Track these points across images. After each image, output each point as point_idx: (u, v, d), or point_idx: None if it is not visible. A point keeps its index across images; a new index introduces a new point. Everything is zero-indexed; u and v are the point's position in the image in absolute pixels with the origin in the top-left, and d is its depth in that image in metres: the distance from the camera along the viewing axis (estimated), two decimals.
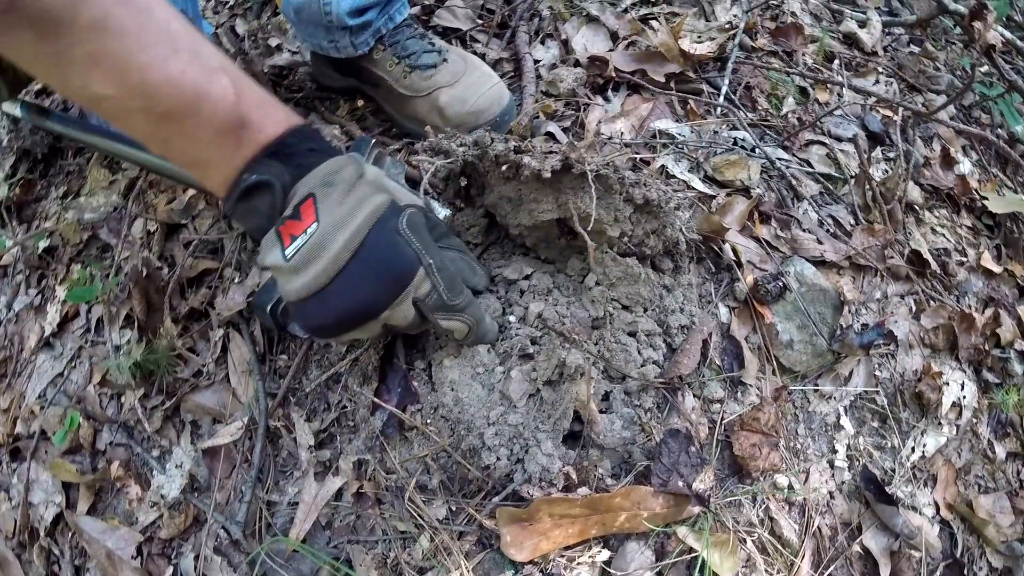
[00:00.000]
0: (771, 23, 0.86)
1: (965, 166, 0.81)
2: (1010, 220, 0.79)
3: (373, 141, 0.49)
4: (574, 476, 0.41)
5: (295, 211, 0.38)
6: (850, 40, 0.90)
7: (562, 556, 0.41)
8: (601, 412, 0.42)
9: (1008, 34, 0.93)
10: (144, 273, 0.57)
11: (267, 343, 0.54)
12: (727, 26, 0.77)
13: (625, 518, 0.42)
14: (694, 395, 0.46)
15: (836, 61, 0.82)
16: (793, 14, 0.88)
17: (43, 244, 0.83)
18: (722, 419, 0.46)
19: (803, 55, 0.80)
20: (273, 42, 0.79)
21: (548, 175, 0.38)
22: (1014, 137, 0.91)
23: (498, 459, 0.42)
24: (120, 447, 0.60)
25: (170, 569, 0.54)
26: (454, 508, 0.43)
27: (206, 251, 0.62)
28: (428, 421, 0.43)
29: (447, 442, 0.42)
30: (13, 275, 0.88)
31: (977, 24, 0.86)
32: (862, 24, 0.92)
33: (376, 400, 0.45)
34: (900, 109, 0.79)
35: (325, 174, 0.38)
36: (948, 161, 0.77)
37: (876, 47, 0.90)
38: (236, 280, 0.58)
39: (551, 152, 0.39)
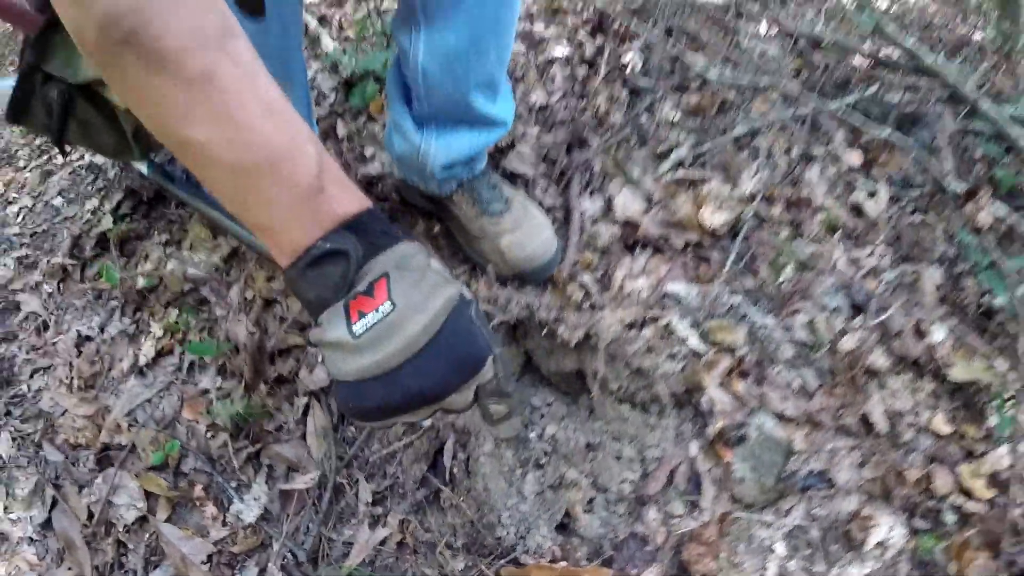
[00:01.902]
0: (791, 189, 1.10)
1: (939, 334, 1.03)
2: (973, 386, 1.00)
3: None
4: (559, 553, 0.63)
5: (368, 287, 0.41)
6: (857, 210, 1.14)
7: None
8: (586, 512, 0.65)
9: (1004, 210, 1.16)
10: (257, 344, 0.81)
11: (341, 415, 0.78)
12: (747, 196, 1.02)
13: None
14: (657, 509, 0.68)
15: (838, 232, 1.06)
16: (810, 183, 1.12)
17: (143, 283, 1.08)
18: (677, 530, 0.68)
19: (810, 225, 1.04)
20: (368, 151, 1.05)
21: (572, 345, 0.62)
22: (991, 309, 1.13)
23: (507, 533, 0.64)
24: (203, 473, 0.83)
25: None
26: (471, 564, 0.65)
27: (296, 328, 0.87)
28: (461, 499, 0.66)
29: (473, 516, 0.65)
30: (108, 300, 1.14)
31: (970, 206, 1.11)
32: (871, 194, 1.16)
33: (425, 476, 0.68)
34: (883, 280, 1.03)
35: (400, 256, 0.42)
36: (920, 333, 1.00)
37: (879, 217, 1.14)
38: (320, 360, 0.82)
39: (579, 326, 0.62)
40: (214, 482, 0.81)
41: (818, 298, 0.94)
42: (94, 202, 1.36)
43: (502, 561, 0.64)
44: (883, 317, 0.97)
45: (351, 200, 0.43)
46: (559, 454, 0.65)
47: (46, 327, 1.19)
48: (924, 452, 0.89)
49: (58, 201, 1.48)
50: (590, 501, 0.66)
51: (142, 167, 1.07)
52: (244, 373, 0.84)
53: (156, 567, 0.79)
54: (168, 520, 0.82)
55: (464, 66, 0.73)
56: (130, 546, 0.82)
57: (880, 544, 0.79)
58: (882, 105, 1.29)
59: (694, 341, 0.81)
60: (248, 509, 0.76)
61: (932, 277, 1.09)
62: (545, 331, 0.65)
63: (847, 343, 0.89)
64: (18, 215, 1.53)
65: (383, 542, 0.68)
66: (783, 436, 0.77)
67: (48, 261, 1.30)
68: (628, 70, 1.19)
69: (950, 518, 0.86)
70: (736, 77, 1.16)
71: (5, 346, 1.20)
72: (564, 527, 0.65)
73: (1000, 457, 0.91)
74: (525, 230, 0.84)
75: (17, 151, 1.93)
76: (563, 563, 0.63)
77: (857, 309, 0.98)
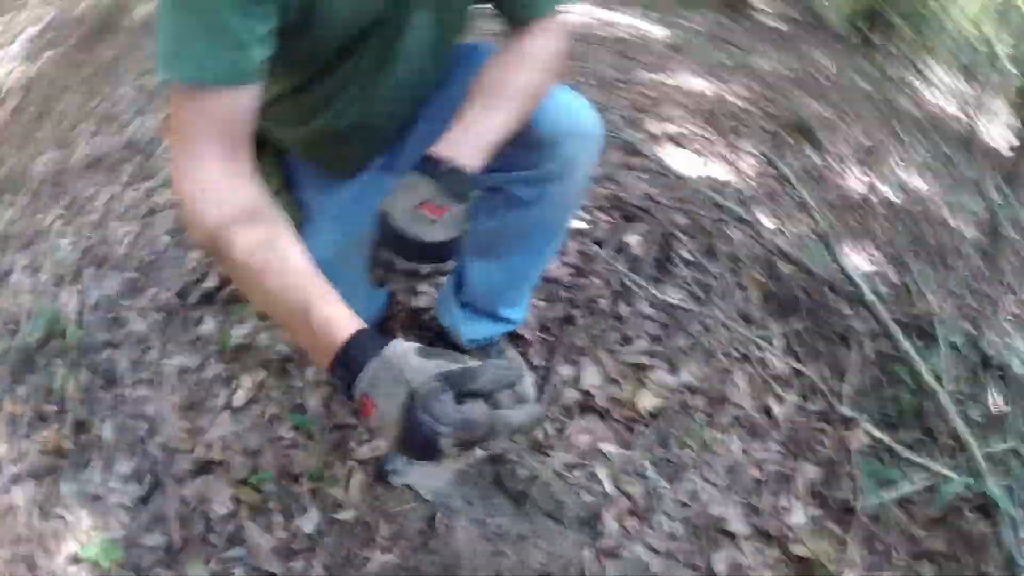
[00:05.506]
0: (719, 386, 1.79)
1: (798, 517, 1.70)
2: (812, 560, 1.65)
3: None
4: None
5: (361, 404, 0.74)
6: (766, 410, 1.83)
7: None
8: None
9: (878, 434, 1.83)
10: (328, 425, 1.50)
11: (376, 475, 1.46)
12: (680, 386, 1.71)
13: None
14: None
15: (742, 426, 1.75)
16: (735, 383, 1.82)
17: (239, 341, 1.78)
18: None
19: (721, 418, 1.73)
20: (420, 289, 1.76)
21: (522, 479, 1.31)
22: (851, 507, 1.79)
23: None
24: (276, 494, 1.50)
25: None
26: None
27: (351, 412, 1.55)
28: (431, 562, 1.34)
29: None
30: (207, 344, 1.83)
31: (844, 432, 1.80)
32: (780, 400, 1.86)
33: (416, 549, 1.36)
34: (765, 470, 1.70)
35: (371, 377, 0.73)
36: (779, 513, 1.68)
37: (782, 419, 1.83)
38: (367, 439, 1.51)
39: (530, 468, 1.31)
40: (284, 502, 1.48)
41: (706, 473, 1.62)
42: (197, 254, 2.07)
43: None
44: (751, 496, 1.65)
45: (348, 326, 0.77)
46: (504, 538, 1.34)
47: (149, 349, 1.87)
48: None
49: (165, 239, 2.19)
50: (514, 569, 1.33)
51: None
52: (313, 435, 1.53)
53: (233, 547, 1.45)
54: (248, 519, 1.49)
55: (501, 292, 1.44)
56: (216, 529, 1.49)
57: None
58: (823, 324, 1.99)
59: (608, 486, 1.49)
60: (306, 524, 1.43)
61: (808, 473, 1.76)
62: (509, 467, 1.34)
63: (715, 509, 1.57)
64: (125, 237, 2.24)
65: (388, 563, 1.36)
66: (647, 560, 1.44)
67: (156, 294, 1.99)
68: (623, 264, 1.90)
69: None
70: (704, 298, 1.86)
71: (110, 351, 1.88)
72: None
73: None
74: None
75: (121, 163, 2.68)
76: None
77: (735, 486, 1.66)
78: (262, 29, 0.90)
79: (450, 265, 1.02)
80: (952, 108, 5.19)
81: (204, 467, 1.58)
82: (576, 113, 1.19)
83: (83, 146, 2.95)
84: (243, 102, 0.92)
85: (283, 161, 1.42)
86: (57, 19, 4.40)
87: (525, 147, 1.16)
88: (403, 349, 0.74)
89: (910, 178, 3.70)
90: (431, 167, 0.98)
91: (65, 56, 4.12)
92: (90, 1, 4.74)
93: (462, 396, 0.72)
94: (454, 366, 0.73)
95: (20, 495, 1.58)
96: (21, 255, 2.27)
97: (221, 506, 1.51)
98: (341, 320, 0.79)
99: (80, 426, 1.70)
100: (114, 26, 4.31)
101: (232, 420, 1.65)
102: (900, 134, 3.92)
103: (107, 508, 1.56)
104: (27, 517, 1.54)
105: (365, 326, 0.80)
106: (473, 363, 0.77)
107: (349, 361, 0.75)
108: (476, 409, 0.72)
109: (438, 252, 0.97)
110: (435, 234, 0.95)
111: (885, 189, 3.43)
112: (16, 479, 1.61)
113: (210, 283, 1.94)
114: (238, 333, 1.80)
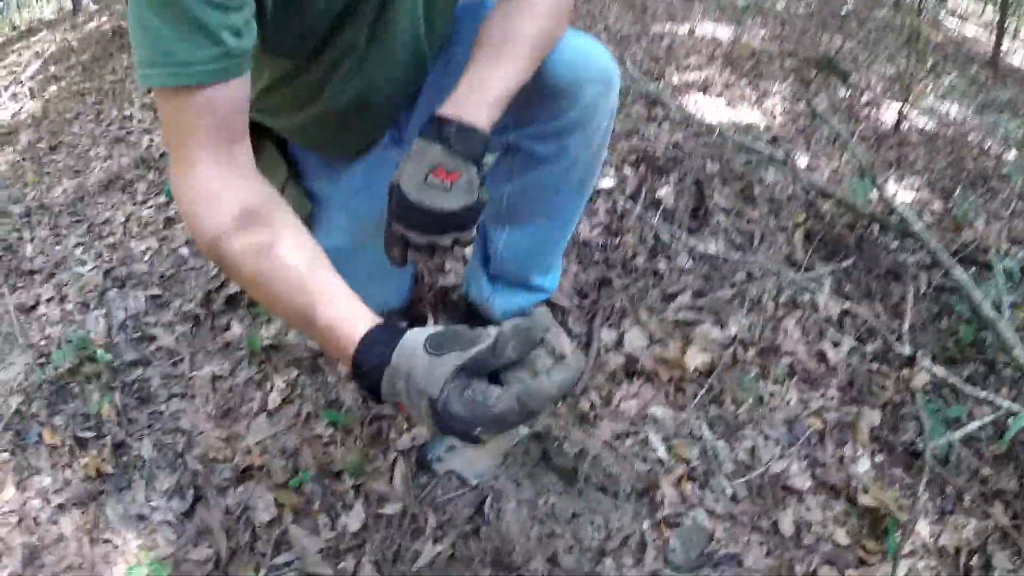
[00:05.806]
0: (769, 335, 1.69)
1: (863, 466, 1.60)
2: (880, 511, 1.55)
3: None
4: None
5: (395, 408, 1.03)
6: (821, 355, 1.72)
7: None
8: (566, 554, 1.24)
9: (939, 371, 1.72)
10: (366, 418, 1.43)
11: (417, 466, 1.38)
12: (729, 339, 1.61)
13: None
14: (613, 559, 1.27)
15: (796, 376, 1.64)
16: (785, 331, 1.71)
17: (267, 342, 1.71)
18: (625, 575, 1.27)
19: (775, 369, 1.63)
20: (447, 267, 1.67)
21: (571, 455, 1.22)
22: (918, 450, 1.68)
23: (519, 560, 1.24)
24: (319, 495, 1.44)
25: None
26: (493, 574, 1.25)
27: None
28: (492, 534, 1.26)
29: (497, 545, 1.25)
30: (235, 350, 1.77)
31: (905, 372, 1.69)
32: (835, 344, 1.74)
33: (472, 516, 1.28)
34: (825, 418, 1.60)
35: (390, 384, 0.71)
36: (843, 463, 1.57)
37: (838, 364, 1.72)
38: (407, 428, 1.44)
39: (577, 443, 1.22)
40: (327, 501, 1.42)
41: (764, 429, 1.52)
42: None
43: (514, 573, 1.23)
44: (813, 448, 1.54)
45: (353, 330, 0.74)
46: (557, 518, 1.26)
47: (179, 362, 1.82)
48: (821, 554, 1.46)
49: (184, 251, 2.14)
50: (570, 548, 1.25)
51: None
52: (351, 430, 1.46)
53: (280, 553, 1.40)
54: (293, 523, 1.43)
55: (531, 259, 1.34)
56: (262, 537, 1.43)
57: None
58: (872, 262, 1.88)
59: (661, 452, 1.40)
60: (352, 522, 1.36)
61: (870, 419, 1.65)
62: (556, 443, 1.25)
63: (776, 466, 1.47)
64: (145, 254, 2.20)
65: (439, 554, 1.28)
66: (709, 526, 1.35)
67: (180, 306, 1.94)
68: (656, 219, 1.80)
69: None
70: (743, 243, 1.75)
71: (142, 369, 1.84)
72: (552, 561, 1.25)
73: (886, 571, 1.46)
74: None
75: (134, 182, 2.64)
76: None
77: (795, 438, 1.55)
78: (239, 19, 0.83)
79: (472, 234, 0.94)
80: (974, 31, 4.95)
81: (244, 474, 1.53)
82: (593, 57, 1.11)
83: (97, 170, 2.95)
84: (232, 95, 0.86)
85: (288, 150, 1.35)
86: (58, 52, 4.40)
87: (542, 98, 1.08)
88: (412, 348, 0.71)
89: (941, 105, 3.52)
90: (438, 129, 0.90)
91: (70, 86, 4.12)
92: (87, 31, 4.74)
93: (496, 374, 0.71)
94: (471, 352, 0.70)
95: (67, 523, 1.54)
96: (46, 286, 2.26)
97: (264, 512, 1.45)
98: (345, 324, 0.76)
99: (119, 447, 1.66)
100: (114, 50, 4.30)
101: (268, 423, 1.60)
102: (926, 62, 3.74)
103: (153, 526, 1.52)
104: (76, 545, 1.50)
105: (371, 324, 0.76)
106: (490, 332, 0.72)
107: (364, 370, 0.73)
108: (507, 398, 0.68)
109: (457, 220, 0.90)
110: (451, 201, 0.88)
111: (917, 118, 3.27)
112: (62, 508, 1.57)
113: (232, 288, 1.88)
114: (266, 334, 1.74)
